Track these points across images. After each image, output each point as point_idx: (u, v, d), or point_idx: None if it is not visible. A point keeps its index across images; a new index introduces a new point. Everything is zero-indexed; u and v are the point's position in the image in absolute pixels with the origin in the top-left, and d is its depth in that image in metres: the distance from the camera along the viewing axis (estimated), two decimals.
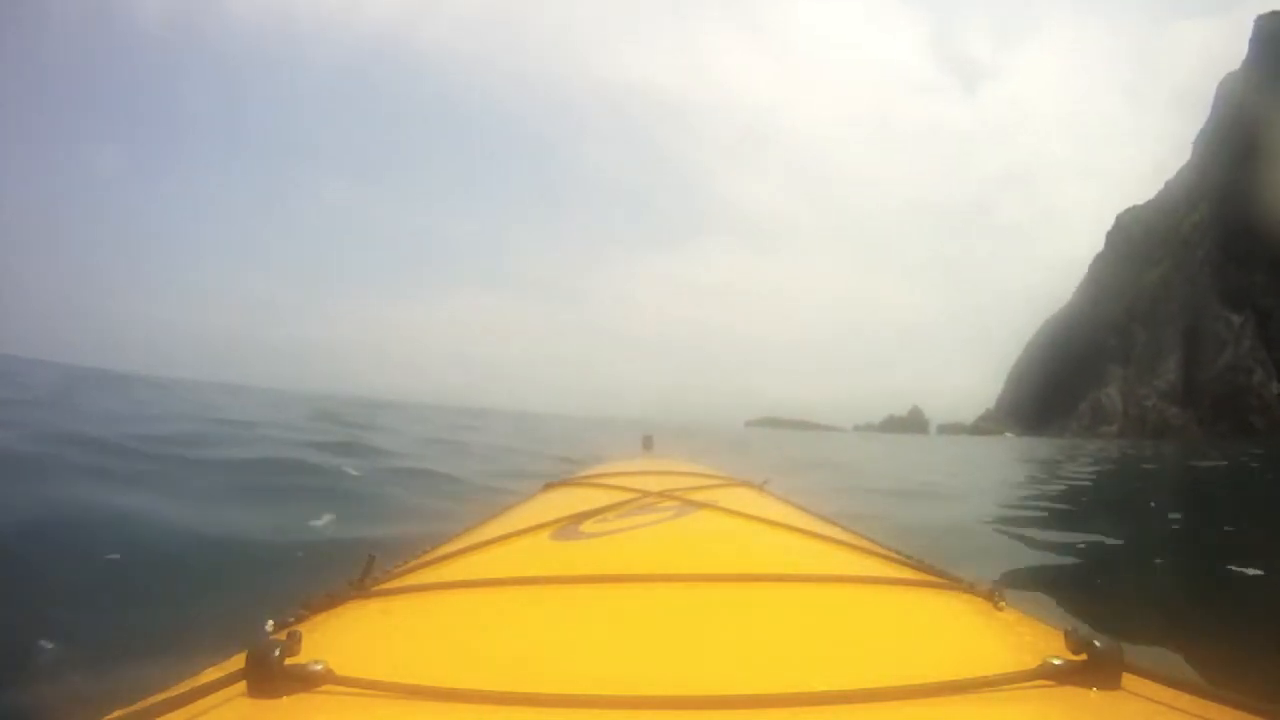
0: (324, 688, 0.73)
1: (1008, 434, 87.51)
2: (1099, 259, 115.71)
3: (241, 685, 0.74)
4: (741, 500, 1.86)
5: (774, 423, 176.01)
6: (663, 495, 1.75)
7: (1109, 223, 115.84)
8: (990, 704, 0.74)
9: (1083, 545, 5.01)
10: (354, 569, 1.16)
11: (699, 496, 1.79)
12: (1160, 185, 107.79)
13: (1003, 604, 1.10)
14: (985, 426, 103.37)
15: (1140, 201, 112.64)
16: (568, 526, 1.47)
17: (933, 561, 1.32)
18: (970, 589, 1.15)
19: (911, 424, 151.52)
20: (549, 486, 2.28)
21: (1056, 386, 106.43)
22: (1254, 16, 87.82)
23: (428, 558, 1.31)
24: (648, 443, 3.75)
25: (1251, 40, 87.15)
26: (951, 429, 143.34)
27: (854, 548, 1.43)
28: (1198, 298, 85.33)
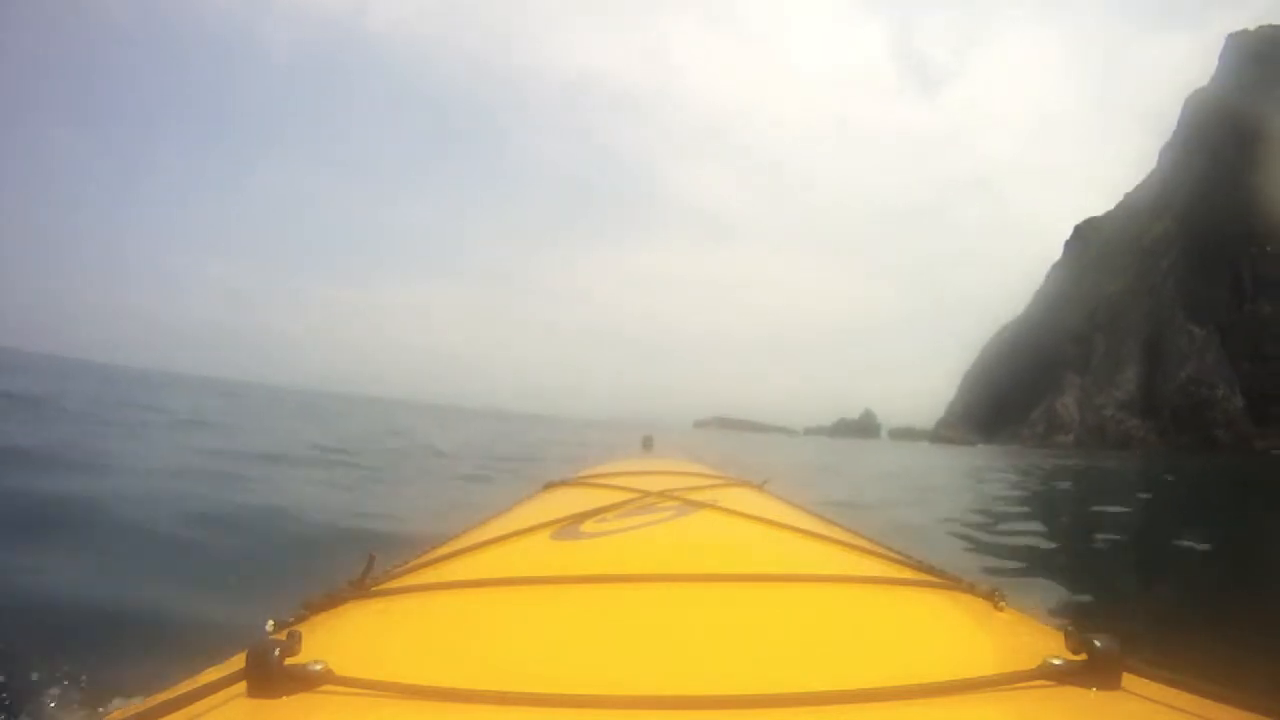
0: (324, 688, 0.74)
1: (976, 444, 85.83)
2: (1056, 268, 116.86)
3: (241, 685, 0.74)
4: (742, 500, 1.87)
5: (723, 423, 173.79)
6: (663, 495, 1.74)
7: (1067, 232, 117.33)
8: (990, 704, 0.75)
9: None
10: (354, 569, 1.17)
11: (699, 496, 1.79)
12: (1120, 197, 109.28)
13: (1002, 604, 1.12)
14: (949, 434, 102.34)
15: (1099, 212, 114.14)
16: (568, 526, 1.47)
17: (933, 562, 1.34)
18: (970, 589, 1.17)
19: (863, 428, 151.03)
20: (549, 486, 2.27)
21: (1009, 393, 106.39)
22: (1225, 34, 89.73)
23: (428, 558, 1.32)
24: (647, 443, 3.65)
25: (1222, 56, 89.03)
26: (903, 434, 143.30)
27: (854, 548, 1.45)
28: (1160, 310, 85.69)
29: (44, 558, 3.10)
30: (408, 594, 1.11)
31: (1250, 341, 74.66)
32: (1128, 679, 0.80)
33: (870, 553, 1.43)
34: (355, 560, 1.18)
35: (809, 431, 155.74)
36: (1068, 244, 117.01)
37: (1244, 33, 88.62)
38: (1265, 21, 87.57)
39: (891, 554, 1.41)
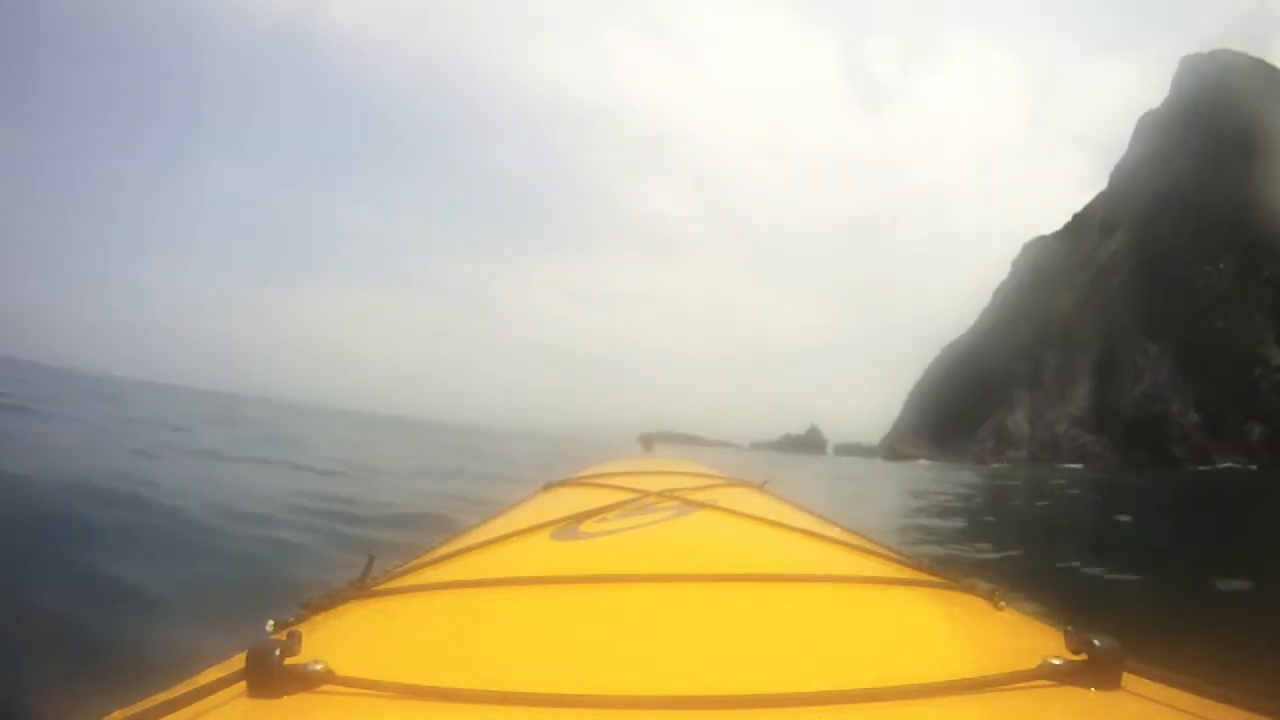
0: (324, 688, 0.74)
1: (924, 459, 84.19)
2: (1004, 286, 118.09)
3: (241, 685, 0.75)
4: (742, 500, 1.87)
5: (669, 437, 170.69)
6: (663, 495, 1.74)
7: (1014, 251, 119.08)
8: (990, 704, 0.75)
9: None
10: (354, 569, 1.18)
11: (699, 497, 1.78)
12: (1067, 218, 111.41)
13: (1003, 604, 1.12)
14: (904, 450, 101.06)
15: (1046, 231, 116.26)
16: (568, 526, 1.47)
17: (933, 562, 1.34)
18: (970, 589, 1.18)
19: (809, 443, 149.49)
20: (549, 487, 2.26)
21: (957, 410, 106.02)
22: (1179, 57, 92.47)
23: (428, 558, 1.32)
24: (647, 443, 3.67)
25: (1175, 79, 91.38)
26: (849, 449, 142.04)
27: (854, 548, 1.45)
28: (1113, 326, 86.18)
29: None
30: (408, 594, 1.12)
31: (1204, 358, 75.07)
32: (1128, 679, 0.80)
33: (870, 553, 1.43)
34: (355, 560, 1.19)
35: (755, 446, 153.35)
36: (1015, 262, 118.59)
37: (1197, 56, 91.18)
38: (1213, 47, 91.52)
39: (891, 554, 1.42)
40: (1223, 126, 79.81)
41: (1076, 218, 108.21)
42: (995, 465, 63.93)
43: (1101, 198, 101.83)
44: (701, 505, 1.68)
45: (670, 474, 2.28)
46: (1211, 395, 72.11)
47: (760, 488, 2.29)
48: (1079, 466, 64.39)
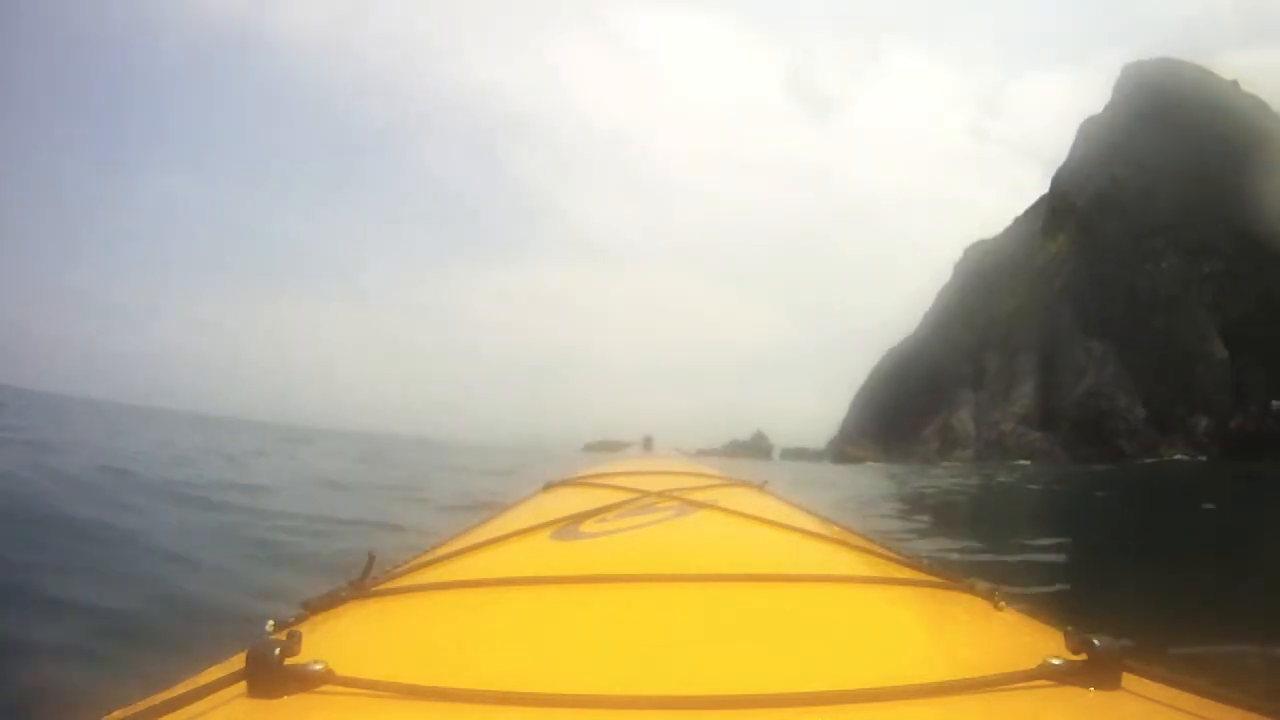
0: (324, 688, 0.74)
1: (870, 461, 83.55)
2: (946, 289, 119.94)
3: (241, 685, 0.75)
4: (742, 500, 1.88)
5: (615, 446, 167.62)
6: (663, 495, 1.75)
7: (955, 255, 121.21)
8: (990, 704, 0.76)
9: None
10: (354, 569, 1.18)
11: (699, 497, 1.79)
12: (1008, 222, 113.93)
13: (1003, 604, 1.13)
14: (853, 453, 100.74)
15: (987, 235, 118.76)
16: (568, 526, 1.48)
17: (933, 562, 1.35)
18: (970, 589, 1.19)
19: (755, 449, 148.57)
20: (549, 486, 2.26)
21: (901, 412, 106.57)
22: (1121, 65, 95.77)
23: (428, 558, 1.33)
24: (647, 443, 3.64)
25: (1117, 86, 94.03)
26: (796, 454, 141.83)
27: (854, 548, 1.47)
28: (1056, 326, 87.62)
29: None
30: (408, 594, 1.12)
31: (1148, 355, 76.56)
32: (1128, 679, 0.81)
33: (870, 553, 1.44)
34: (355, 560, 1.19)
35: (701, 453, 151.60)
36: (957, 266, 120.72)
37: (1140, 64, 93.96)
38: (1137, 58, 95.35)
39: (891, 554, 1.43)
40: (1164, 131, 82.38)
41: (1017, 221, 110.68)
42: (945, 464, 63.52)
43: (1042, 202, 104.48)
44: (702, 505, 1.69)
45: (670, 474, 2.28)
46: (1157, 391, 73.47)
47: (760, 488, 2.29)
48: (1028, 463, 64.36)
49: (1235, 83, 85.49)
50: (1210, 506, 12.79)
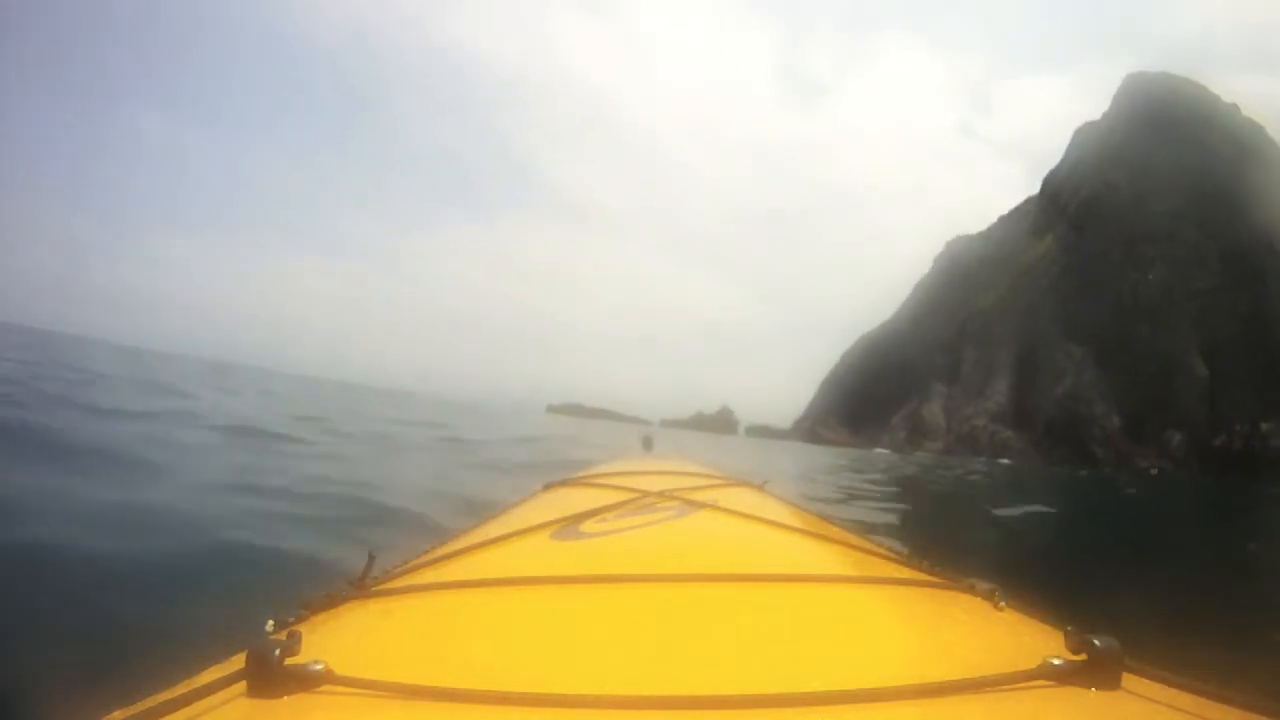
0: (324, 688, 0.74)
1: (839, 444, 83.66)
2: (924, 281, 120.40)
3: (241, 685, 0.75)
4: (742, 500, 1.87)
5: (578, 410, 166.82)
6: (663, 495, 1.75)
7: (936, 248, 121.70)
8: (990, 704, 0.76)
9: None
10: (354, 569, 1.18)
11: (699, 497, 1.80)
12: (992, 219, 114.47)
13: (1003, 604, 1.13)
14: (824, 434, 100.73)
15: (970, 230, 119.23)
16: (568, 526, 1.48)
17: (933, 562, 1.36)
18: (970, 589, 1.19)
19: (720, 423, 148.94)
20: (549, 486, 2.26)
21: (870, 397, 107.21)
22: (1107, 79, 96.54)
23: (428, 558, 1.32)
24: (647, 443, 3.66)
25: (1117, 95, 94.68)
26: (760, 431, 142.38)
27: (854, 548, 1.47)
28: (1036, 326, 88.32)
29: None
30: (408, 594, 1.12)
31: (1128, 363, 77.61)
32: (1128, 679, 0.81)
33: (870, 553, 1.45)
34: (355, 560, 1.19)
35: (665, 424, 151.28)
36: (937, 258, 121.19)
37: (1142, 75, 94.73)
38: (1151, 68, 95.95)
39: (891, 554, 1.43)
40: (1162, 142, 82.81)
41: (1002, 219, 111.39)
42: (917, 454, 63.57)
43: (1032, 202, 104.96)
44: (702, 505, 1.69)
45: (670, 474, 2.29)
46: (1134, 400, 74.62)
47: (760, 488, 2.30)
48: (1006, 462, 64.74)
49: (1236, 106, 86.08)
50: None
